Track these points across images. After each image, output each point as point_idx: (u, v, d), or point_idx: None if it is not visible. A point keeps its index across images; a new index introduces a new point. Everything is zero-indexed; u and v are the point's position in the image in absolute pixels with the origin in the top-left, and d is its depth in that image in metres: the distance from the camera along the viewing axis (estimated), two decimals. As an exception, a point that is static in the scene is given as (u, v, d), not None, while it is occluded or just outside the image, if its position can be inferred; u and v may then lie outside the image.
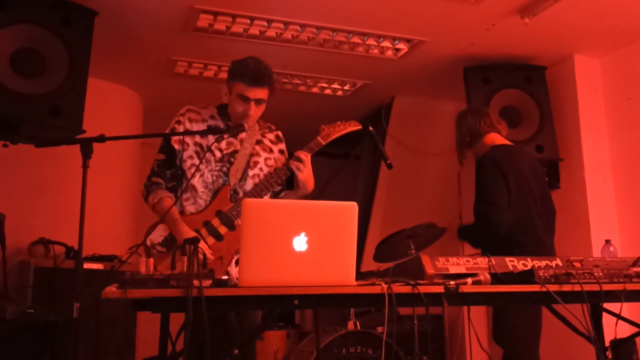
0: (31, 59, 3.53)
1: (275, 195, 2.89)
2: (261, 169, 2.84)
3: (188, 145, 2.77)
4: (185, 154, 2.77)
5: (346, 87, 5.31)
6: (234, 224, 2.68)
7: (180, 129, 2.78)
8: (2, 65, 3.45)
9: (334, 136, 2.89)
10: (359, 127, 2.95)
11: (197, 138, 2.78)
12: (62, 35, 3.60)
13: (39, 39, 3.55)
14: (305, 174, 2.75)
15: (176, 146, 2.77)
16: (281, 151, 2.95)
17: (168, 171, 2.77)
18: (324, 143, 2.85)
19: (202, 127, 2.79)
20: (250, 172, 2.82)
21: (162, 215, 2.63)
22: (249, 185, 2.80)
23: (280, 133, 2.98)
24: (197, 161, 2.74)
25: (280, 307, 2.36)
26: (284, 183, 2.86)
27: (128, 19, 4.05)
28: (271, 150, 2.91)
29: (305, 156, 2.75)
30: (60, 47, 3.59)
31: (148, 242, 2.59)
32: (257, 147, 2.87)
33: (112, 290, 1.93)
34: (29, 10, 3.52)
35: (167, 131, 2.81)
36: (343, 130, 2.92)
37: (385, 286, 2.10)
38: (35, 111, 3.50)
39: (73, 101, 3.62)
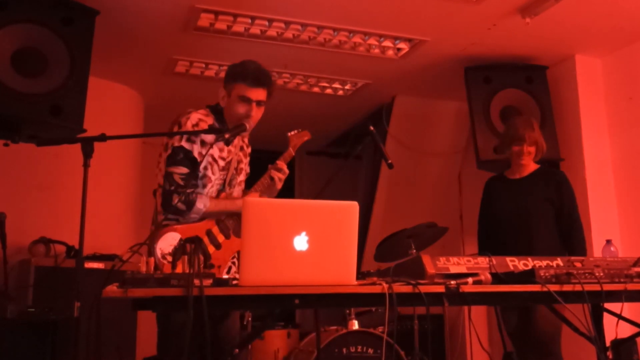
0: (32, 58, 3.53)
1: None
2: (245, 174, 2.92)
3: (204, 157, 2.69)
4: (202, 166, 2.71)
5: (347, 87, 5.31)
6: (229, 232, 2.70)
7: (198, 141, 2.67)
8: (3, 65, 3.45)
9: (299, 146, 2.97)
10: (309, 136, 3.02)
11: (209, 147, 2.69)
12: (63, 35, 3.60)
13: (40, 38, 3.55)
14: (280, 186, 2.84)
15: (199, 158, 2.67)
16: (248, 155, 3.00)
17: (193, 182, 2.66)
18: (294, 154, 2.92)
19: (210, 136, 2.68)
20: (238, 179, 2.87)
21: (224, 207, 2.70)
22: (237, 192, 2.85)
23: (247, 136, 2.97)
24: (210, 172, 2.71)
25: (281, 307, 2.36)
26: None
27: (129, 18, 4.05)
28: (247, 156, 2.96)
29: (285, 167, 2.82)
30: (61, 46, 3.60)
31: (158, 252, 2.50)
32: (240, 154, 2.90)
33: (112, 289, 1.93)
34: (30, 9, 3.52)
35: (185, 146, 2.67)
36: (301, 141, 2.98)
37: (386, 286, 2.11)
38: (36, 110, 3.50)
39: (74, 100, 3.62)
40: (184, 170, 2.63)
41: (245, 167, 2.93)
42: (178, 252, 2.06)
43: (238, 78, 2.72)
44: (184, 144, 2.64)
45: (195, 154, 2.66)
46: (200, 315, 1.87)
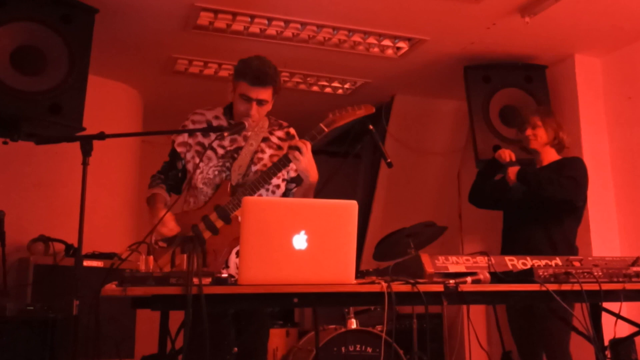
0: (31, 56, 3.53)
1: (288, 192, 2.88)
2: (265, 165, 2.81)
3: (190, 146, 2.82)
4: (189, 155, 2.81)
5: (346, 86, 5.31)
6: (230, 217, 2.65)
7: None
8: (3, 63, 3.45)
9: (340, 123, 2.74)
10: (372, 110, 2.79)
11: (200, 138, 2.80)
12: (63, 33, 3.59)
13: (39, 36, 3.55)
14: (304, 163, 2.64)
15: (179, 149, 2.83)
16: (292, 147, 2.86)
17: (170, 172, 2.86)
18: (327, 130, 2.71)
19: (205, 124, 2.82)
20: (253, 168, 2.82)
21: (151, 207, 2.75)
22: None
23: (292, 130, 2.93)
24: (197, 159, 2.76)
25: (280, 306, 2.37)
26: (291, 175, 2.86)
27: (128, 17, 4.05)
28: (279, 148, 2.87)
29: (304, 144, 2.64)
30: (60, 44, 3.59)
31: (152, 239, 2.60)
32: (263, 144, 2.85)
33: (111, 287, 1.93)
34: (29, 7, 3.52)
35: (173, 138, 2.87)
36: (350, 117, 2.75)
37: (384, 285, 2.11)
38: (36, 108, 3.50)
39: (73, 98, 3.62)
40: (167, 159, 2.88)
41: (270, 158, 2.83)
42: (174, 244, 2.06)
43: (240, 76, 2.73)
44: (173, 136, 2.86)
45: (176, 145, 2.84)
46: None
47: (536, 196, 3.52)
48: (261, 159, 2.83)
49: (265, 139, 2.86)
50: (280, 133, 2.91)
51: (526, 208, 3.60)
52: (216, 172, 2.77)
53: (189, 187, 2.81)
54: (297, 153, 2.63)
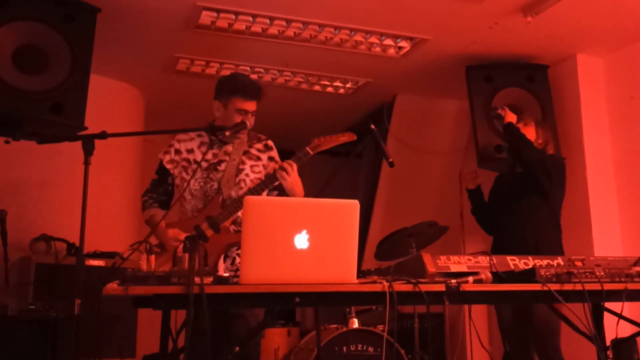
0: (33, 55, 3.54)
1: None
2: (247, 175, 3.02)
3: (178, 163, 3.01)
4: (176, 171, 3.01)
5: (348, 85, 5.31)
6: (219, 227, 2.83)
7: (172, 150, 3.04)
8: (5, 62, 3.45)
9: (324, 147, 2.99)
10: (354, 138, 3.03)
11: (184, 154, 3.01)
12: (65, 32, 3.60)
13: (41, 36, 3.55)
14: (290, 183, 2.86)
15: (168, 166, 3.02)
16: (270, 158, 3.12)
17: (160, 189, 3.05)
18: (312, 153, 2.95)
19: (191, 143, 3.03)
20: (236, 180, 3.00)
21: (152, 228, 2.87)
22: (234, 192, 2.98)
23: (269, 142, 3.16)
24: (185, 175, 2.97)
25: (282, 305, 2.37)
26: (276, 188, 3.00)
27: (130, 16, 4.05)
28: (258, 158, 3.09)
29: (290, 165, 2.86)
30: (62, 43, 3.60)
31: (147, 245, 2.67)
32: (244, 157, 3.05)
33: (113, 287, 1.94)
34: (31, 6, 3.53)
35: (160, 157, 3.05)
36: (334, 142, 2.99)
37: (386, 284, 2.11)
38: (37, 108, 3.51)
39: (75, 98, 3.63)
40: (155, 177, 3.07)
41: (252, 169, 3.04)
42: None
43: (233, 93, 2.98)
44: (160, 155, 3.05)
45: (165, 162, 3.02)
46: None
47: (517, 185, 3.77)
48: (243, 169, 3.03)
49: (245, 152, 3.07)
50: (259, 145, 3.13)
51: (509, 202, 3.78)
52: (202, 183, 2.96)
53: (176, 201, 2.99)
54: (284, 173, 2.84)
